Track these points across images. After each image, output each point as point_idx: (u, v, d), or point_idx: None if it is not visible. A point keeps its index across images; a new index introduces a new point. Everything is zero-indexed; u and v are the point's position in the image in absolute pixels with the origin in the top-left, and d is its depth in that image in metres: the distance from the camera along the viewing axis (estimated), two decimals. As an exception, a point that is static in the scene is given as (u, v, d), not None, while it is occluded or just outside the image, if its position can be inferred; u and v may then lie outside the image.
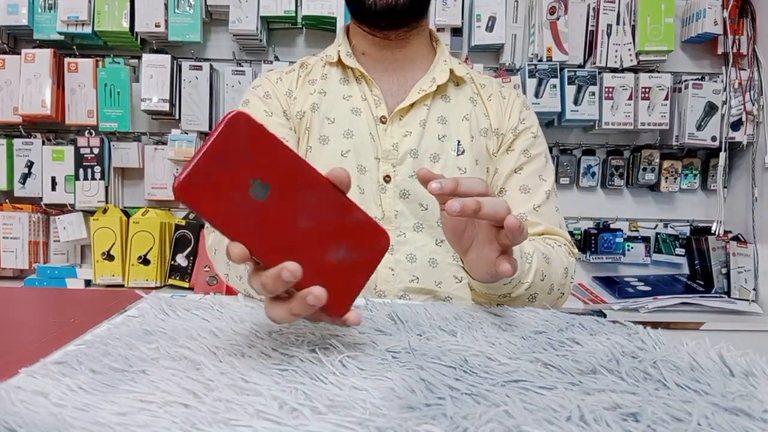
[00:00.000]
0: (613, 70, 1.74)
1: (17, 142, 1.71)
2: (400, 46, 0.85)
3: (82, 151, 1.69)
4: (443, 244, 0.81)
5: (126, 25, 1.64)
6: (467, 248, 0.55)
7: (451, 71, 0.85)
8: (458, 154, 0.83)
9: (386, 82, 0.85)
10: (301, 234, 0.38)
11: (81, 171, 1.68)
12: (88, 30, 1.64)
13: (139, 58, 1.71)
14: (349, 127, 0.82)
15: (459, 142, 0.83)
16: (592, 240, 1.80)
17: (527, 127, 0.87)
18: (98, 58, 1.71)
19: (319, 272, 0.38)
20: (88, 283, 1.70)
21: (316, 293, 0.37)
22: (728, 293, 1.71)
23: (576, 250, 0.82)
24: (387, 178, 0.81)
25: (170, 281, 1.71)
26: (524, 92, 1.69)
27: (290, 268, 0.36)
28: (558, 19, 1.69)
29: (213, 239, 0.79)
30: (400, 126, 0.82)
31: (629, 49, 1.72)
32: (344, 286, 0.39)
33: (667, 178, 1.80)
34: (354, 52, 0.86)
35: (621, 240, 1.79)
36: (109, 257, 1.67)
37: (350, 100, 0.84)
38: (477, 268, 0.55)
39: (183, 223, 1.73)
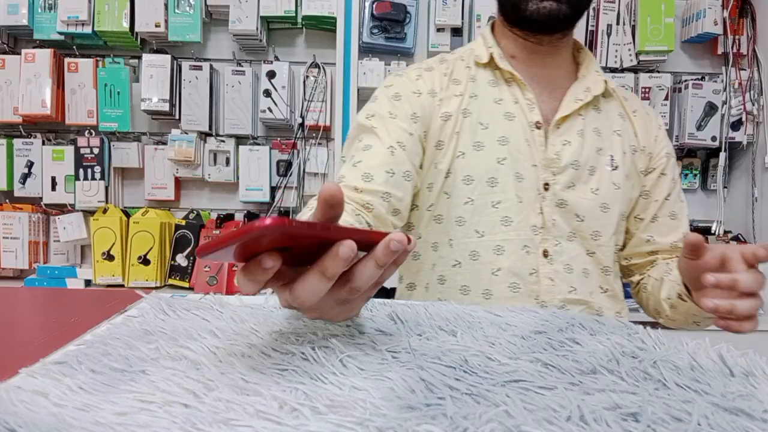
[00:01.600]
0: (613, 70, 1.74)
1: (17, 142, 1.71)
2: (551, 52, 0.83)
3: (82, 151, 1.69)
4: (594, 255, 0.82)
5: (126, 25, 1.64)
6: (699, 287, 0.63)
7: (605, 82, 0.85)
8: (612, 169, 0.82)
9: (536, 87, 0.83)
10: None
11: (81, 171, 1.69)
12: (88, 30, 1.64)
13: (139, 58, 1.71)
14: (503, 133, 0.80)
15: (612, 157, 0.82)
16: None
17: (671, 150, 0.89)
18: (98, 58, 1.71)
19: None
20: (88, 283, 1.70)
21: (397, 238, 0.35)
22: (728, 293, 1.71)
23: None
24: (546, 186, 0.80)
25: (170, 281, 1.71)
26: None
27: (397, 238, 0.34)
28: (558, 19, 1.69)
29: None
30: (559, 134, 0.81)
31: (629, 49, 1.72)
32: None
33: (667, 178, 1.80)
34: (503, 54, 0.84)
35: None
36: (109, 257, 1.67)
37: (502, 104, 0.82)
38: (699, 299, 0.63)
39: (183, 223, 1.73)
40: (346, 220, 0.69)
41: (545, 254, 0.80)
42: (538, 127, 0.80)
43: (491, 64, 0.84)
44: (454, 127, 0.81)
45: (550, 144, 0.80)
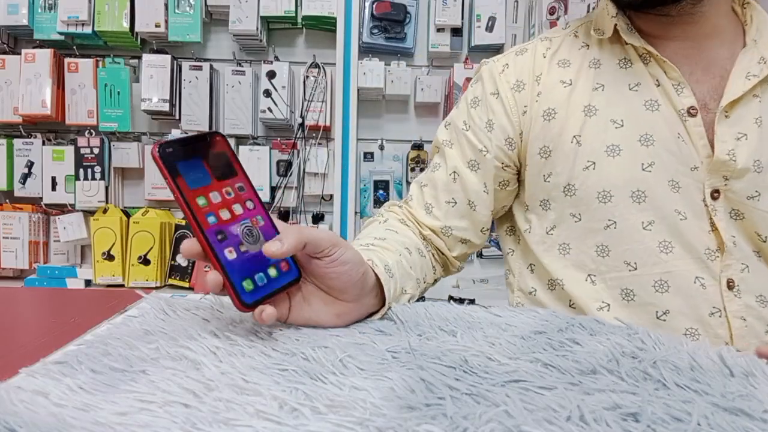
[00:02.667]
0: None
1: (17, 142, 1.71)
2: (689, 21, 0.63)
3: (82, 151, 1.69)
4: None
5: (126, 25, 1.64)
6: None
7: None
8: None
9: (683, 62, 0.63)
10: None
11: (81, 171, 1.69)
12: (88, 30, 1.64)
13: (139, 58, 1.71)
14: (646, 129, 0.62)
15: None
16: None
17: None
18: (98, 58, 1.71)
19: None
20: (88, 283, 1.70)
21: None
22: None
23: None
24: (715, 194, 0.61)
25: (170, 281, 1.71)
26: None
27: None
28: (558, 19, 1.69)
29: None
30: (729, 125, 0.61)
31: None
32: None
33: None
34: (630, 26, 0.65)
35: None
36: (110, 257, 1.67)
37: (639, 90, 0.63)
38: None
39: (183, 223, 1.73)
40: (412, 244, 0.66)
41: (729, 285, 0.61)
42: (692, 114, 0.61)
43: (617, 38, 0.65)
44: (567, 127, 0.65)
45: (719, 139, 0.60)
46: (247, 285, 0.41)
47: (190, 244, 0.41)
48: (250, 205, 0.44)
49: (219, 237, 0.41)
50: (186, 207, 0.41)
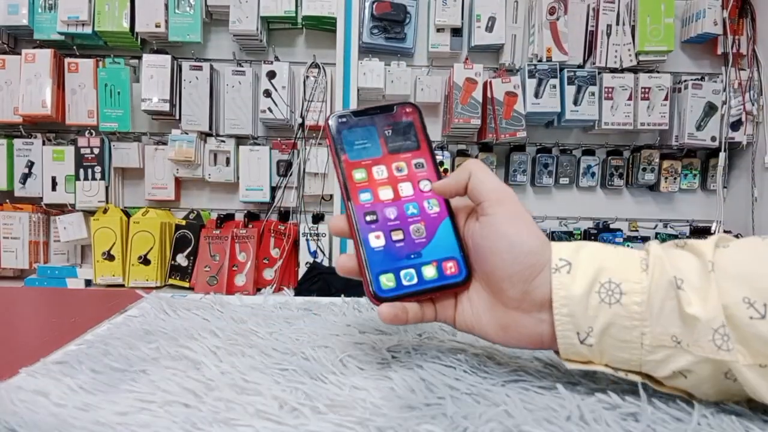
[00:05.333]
0: (613, 71, 1.74)
1: (17, 142, 1.71)
2: None
3: (82, 151, 1.69)
4: None
5: (126, 25, 1.64)
6: None
7: None
8: None
9: None
10: None
11: (81, 171, 1.69)
12: (88, 30, 1.64)
13: (139, 58, 1.71)
14: None
15: None
16: (591, 240, 1.80)
17: None
18: (98, 59, 1.71)
19: None
20: (88, 283, 1.70)
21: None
22: (728, 293, 1.71)
23: None
24: None
25: (170, 281, 1.71)
26: (524, 92, 1.70)
27: None
28: (558, 19, 1.69)
29: None
30: None
31: (629, 50, 1.72)
32: None
33: (666, 178, 1.80)
34: None
35: (621, 240, 1.79)
36: (110, 257, 1.67)
37: None
38: None
39: (183, 223, 1.73)
40: None
41: None
42: None
43: None
44: None
45: None
46: (387, 280, 0.35)
47: (336, 220, 0.37)
48: (425, 186, 0.37)
49: (368, 218, 0.36)
50: (340, 178, 0.36)
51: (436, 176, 0.37)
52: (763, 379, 0.29)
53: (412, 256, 0.36)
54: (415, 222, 0.36)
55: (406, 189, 0.36)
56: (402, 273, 0.35)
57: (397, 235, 0.36)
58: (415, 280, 0.35)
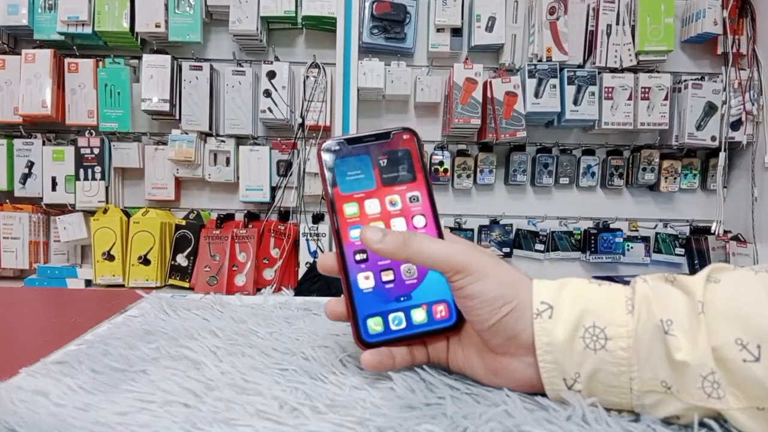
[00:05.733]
0: (613, 70, 1.74)
1: (17, 143, 1.71)
2: None
3: (82, 151, 1.69)
4: None
5: (126, 25, 1.64)
6: None
7: None
8: None
9: None
10: None
11: (81, 171, 1.69)
12: (88, 30, 1.64)
13: (139, 58, 1.71)
14: None
15: None
16: (591, 240, 1.80)
17: None
18: (98, 59, 1.71)
19: None
20: (88, 283, 1.70)
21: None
22: (728, 293, 1.71)
23: None
24: None
25: (170, 281, 1.71)
26: (524, 92, 1.70)
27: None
28: (558, 19, 1.69)
29: None
30: None
31: (629, 49, 1.72)
32: None
33: (666, 178, 1.80)
34: None
35: (621, 240, 1.79)
36: (110, 257, 1.67)
37: None
38: None
39: (183, 223, 1.73)
40: None
41: None
42: None
43: None
44: None
45: None
46: (374, 324, 0.34)
47: (324, 258, 0.36)
48: (419, 222, 0.35)
49: (358, 257, 0.34)
50: (331, 213, 0.34)
51: (431, 210, 0.35)
52: (755, 421, 0.29)
53: (402, 299, 0.34)
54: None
55: (398, 225, 0.34)
56: (390, 317, 0.34)
57: (387, 276, 0.34)
58: (404, 324, 0.34)
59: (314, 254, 1.71)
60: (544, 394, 0.33)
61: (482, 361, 0.35)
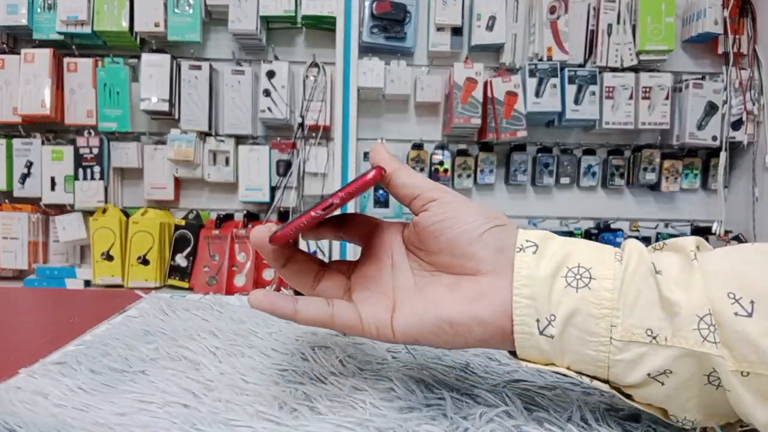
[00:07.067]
0: (614, 70, 1.74)
1: (16, 142, 1.71)
2: None
3: (81, 151, 1.69)
4: None
5: (125, 24, 1.64)
6: None
7: None
8: None
9: None
10: None
11: (80, 171, 1.68)
12: (87, 30, 1.64)
13: (138, 57, 1.71)
14: None
15: None
16: (592, 240, 1.80)
17: None
18: (97, 58, 1.71)
19: None
20: (87, 283, 1.70)
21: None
22: (728, 293, 1.71)
23: None
24: None
25: (170, 281, 1.70)
26: (524, 92, 1.69)
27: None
28: (558, 18, 1.69)
29: None
30: None
31: (630, 49, 1.72)
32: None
33: (667, 177, 1.80)
34: None
35: (622, 240, 1.79)
36: (109, 257, 1.66)
37: None
38: None
39: (182, 223, 1.73)
40: None
41: None
42: None
43: None
44: None
45: None
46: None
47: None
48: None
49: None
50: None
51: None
52: (746, 389, 0.26)
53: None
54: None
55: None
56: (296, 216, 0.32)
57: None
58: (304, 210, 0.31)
59: (314, 254, 1.71)
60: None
61: (458, 292, 0.31)
